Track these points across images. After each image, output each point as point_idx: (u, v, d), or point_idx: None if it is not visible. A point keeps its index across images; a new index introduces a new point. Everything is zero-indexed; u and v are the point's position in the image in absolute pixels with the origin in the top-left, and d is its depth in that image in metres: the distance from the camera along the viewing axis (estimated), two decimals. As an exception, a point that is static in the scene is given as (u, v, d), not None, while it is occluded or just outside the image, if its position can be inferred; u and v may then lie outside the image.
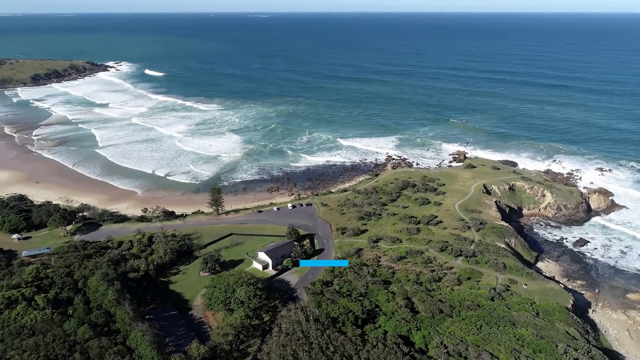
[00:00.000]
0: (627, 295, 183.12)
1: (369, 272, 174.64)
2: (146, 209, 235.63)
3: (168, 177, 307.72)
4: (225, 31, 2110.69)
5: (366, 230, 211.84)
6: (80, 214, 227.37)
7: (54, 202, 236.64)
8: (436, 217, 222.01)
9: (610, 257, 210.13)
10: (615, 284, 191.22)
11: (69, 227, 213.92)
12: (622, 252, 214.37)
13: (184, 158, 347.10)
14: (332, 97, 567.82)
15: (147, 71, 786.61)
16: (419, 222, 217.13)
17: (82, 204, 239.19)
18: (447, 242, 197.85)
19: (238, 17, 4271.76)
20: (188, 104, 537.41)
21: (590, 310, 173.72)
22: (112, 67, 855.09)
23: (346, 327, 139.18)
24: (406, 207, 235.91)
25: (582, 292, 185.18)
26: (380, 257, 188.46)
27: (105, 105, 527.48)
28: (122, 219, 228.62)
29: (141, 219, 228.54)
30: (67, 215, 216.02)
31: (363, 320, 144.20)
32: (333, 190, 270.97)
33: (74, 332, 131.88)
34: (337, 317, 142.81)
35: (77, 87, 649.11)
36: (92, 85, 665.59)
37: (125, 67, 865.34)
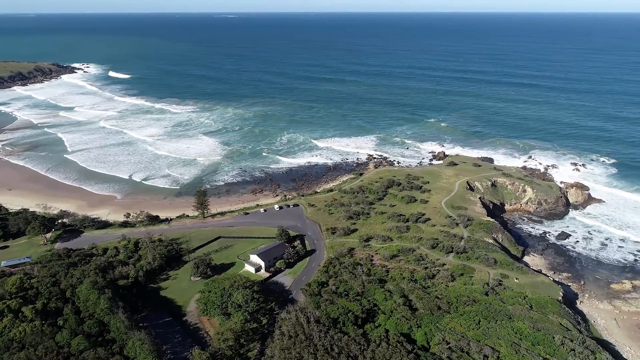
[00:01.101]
0: (611, 286, 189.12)
1: (363, 271, 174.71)
2: (129, 214, 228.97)
3: (147, 182, 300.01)
4: (193, 32, 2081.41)
5: (356, 230, 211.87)
6: (59, 221, 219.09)
7: (31, 210, 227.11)
8: (424, 214, 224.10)
9: (591, 250, 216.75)
10: (599, 275, 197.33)
11: (48, 235, 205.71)
12: (602, 244, 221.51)
13: (162, 161, 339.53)
14: (307, 97, 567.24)
15: (116, 73, 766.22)
16: (407, 220, 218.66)
17: (61, 210, 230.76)
18: (437, 239, 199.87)
19: (205, 18, 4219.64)
20: (160, 106, 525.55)
21: (578, 302, 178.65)
22: (79, 68, 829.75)
23: (347, 327, 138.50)
24: (393, 206, 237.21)
25: (569, 284, 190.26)
26: (373, 256, 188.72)
27: (73, 109, 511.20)
28: (105, 225, 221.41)
29: (124, 224, 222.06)
30: (47, 223, 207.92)
31: (363, 320, 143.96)
32: (319, 191, 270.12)
33: (67, 344, 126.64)
34: (337, 317, 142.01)
35: (43, 90, 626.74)
36: (59, 88, 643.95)
37: (93, 68, 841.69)
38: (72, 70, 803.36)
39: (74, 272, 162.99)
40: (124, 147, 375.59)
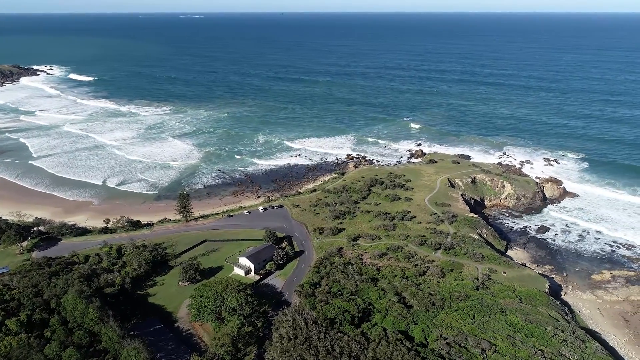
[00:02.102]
0: (592, 277, 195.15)
1: (355, 270, 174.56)
2: (108, 219, 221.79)
3: (123, 187, 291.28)
4: (158, 32, 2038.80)
5: (343, 229, 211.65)
6: (35, 229, 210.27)
7: (4, 218, 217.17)
8: (409, 212, 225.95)
9: (570, 242, 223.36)
10: (579, 267, 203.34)
11: (24, 244, 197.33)
12: (580, 236, 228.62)
13: (136, 165, 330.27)
14: (280, 98, 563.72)
15: (81, 75, 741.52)
16: (393, 218, 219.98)
17: (36, 217, 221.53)
18: (424, 236, 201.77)
19: (170, 18, 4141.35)
20: (129, 109, 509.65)
21: (562, 293, 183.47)
22: (42, 71, 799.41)
23: (345, 327, 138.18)
24: (378, 204, 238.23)
25: (552, 276, 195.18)
26: (362, 255, 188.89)
27: (35, 113, 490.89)
28: (83, 231, 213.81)
29: (104, 230, 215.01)
30: (22, 231, 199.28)
31: (359, 319, 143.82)
32: (302, 191, 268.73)
33: (58, 356, 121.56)
34: (334, 317, 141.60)
35: (3, 94, 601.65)
36: (21, 91, 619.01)
37: (57, 70, 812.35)
38: (34, 73, 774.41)
39: (57, 282, 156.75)
40: (94, 151, 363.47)
